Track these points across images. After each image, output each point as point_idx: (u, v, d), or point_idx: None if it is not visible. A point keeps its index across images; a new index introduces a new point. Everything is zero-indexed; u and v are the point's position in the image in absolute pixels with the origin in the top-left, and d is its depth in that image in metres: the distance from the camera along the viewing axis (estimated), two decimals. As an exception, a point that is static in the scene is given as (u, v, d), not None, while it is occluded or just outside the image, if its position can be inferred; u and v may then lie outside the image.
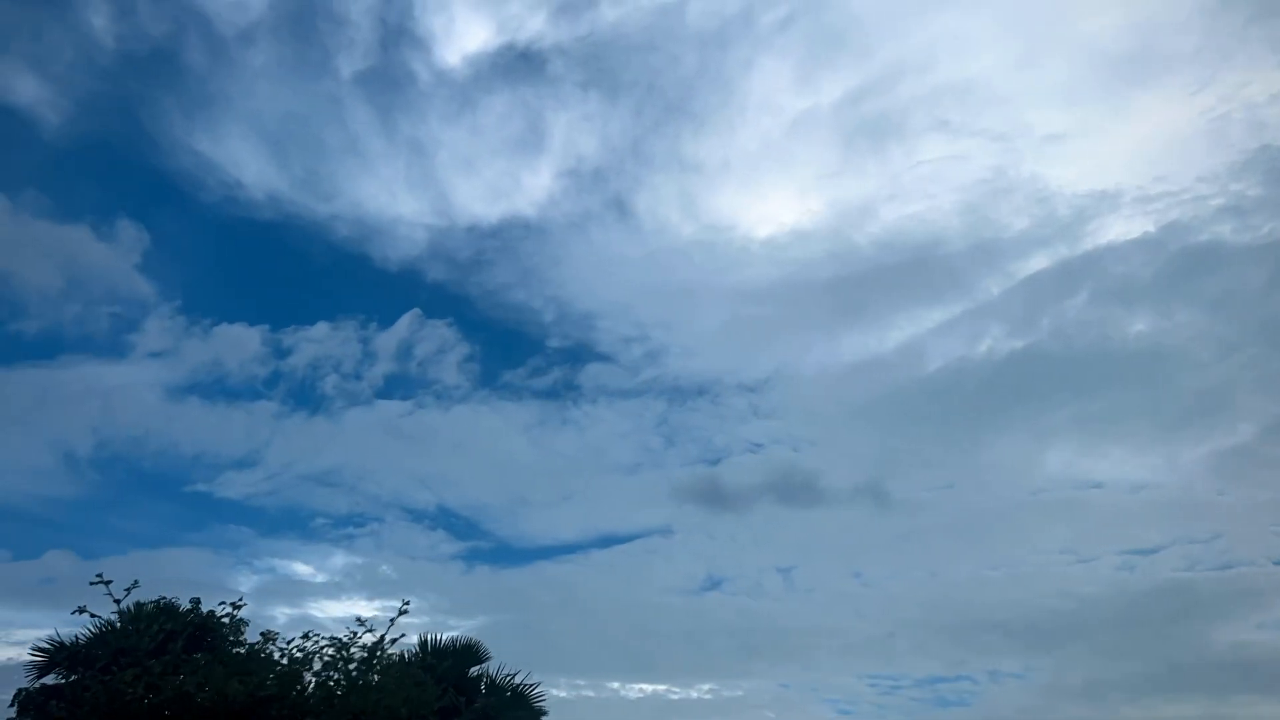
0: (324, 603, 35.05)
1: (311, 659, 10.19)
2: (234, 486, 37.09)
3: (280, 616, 37.62)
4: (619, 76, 41.01)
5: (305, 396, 38.55)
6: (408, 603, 10.72)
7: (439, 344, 39.76)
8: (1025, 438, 39.19)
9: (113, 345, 36.59)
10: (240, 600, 10.53)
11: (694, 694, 35.39)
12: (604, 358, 41.25)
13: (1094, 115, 40.28)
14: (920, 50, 40.48)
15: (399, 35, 39.08)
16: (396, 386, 39.73)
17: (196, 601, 11.53)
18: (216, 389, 37.50)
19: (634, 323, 41.72)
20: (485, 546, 39.01)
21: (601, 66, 40.43)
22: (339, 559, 37.97)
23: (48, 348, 35.67)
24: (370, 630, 10.49)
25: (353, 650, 10.26)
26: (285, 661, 10.05)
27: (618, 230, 42.02)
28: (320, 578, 37.27)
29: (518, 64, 39.81)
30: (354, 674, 10.16)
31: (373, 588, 36.58)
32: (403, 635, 11.07)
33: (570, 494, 40.36)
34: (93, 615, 9.86)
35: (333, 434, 38.57)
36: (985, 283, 40.05)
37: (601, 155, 41.73)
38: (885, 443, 40.05)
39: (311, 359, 38.39)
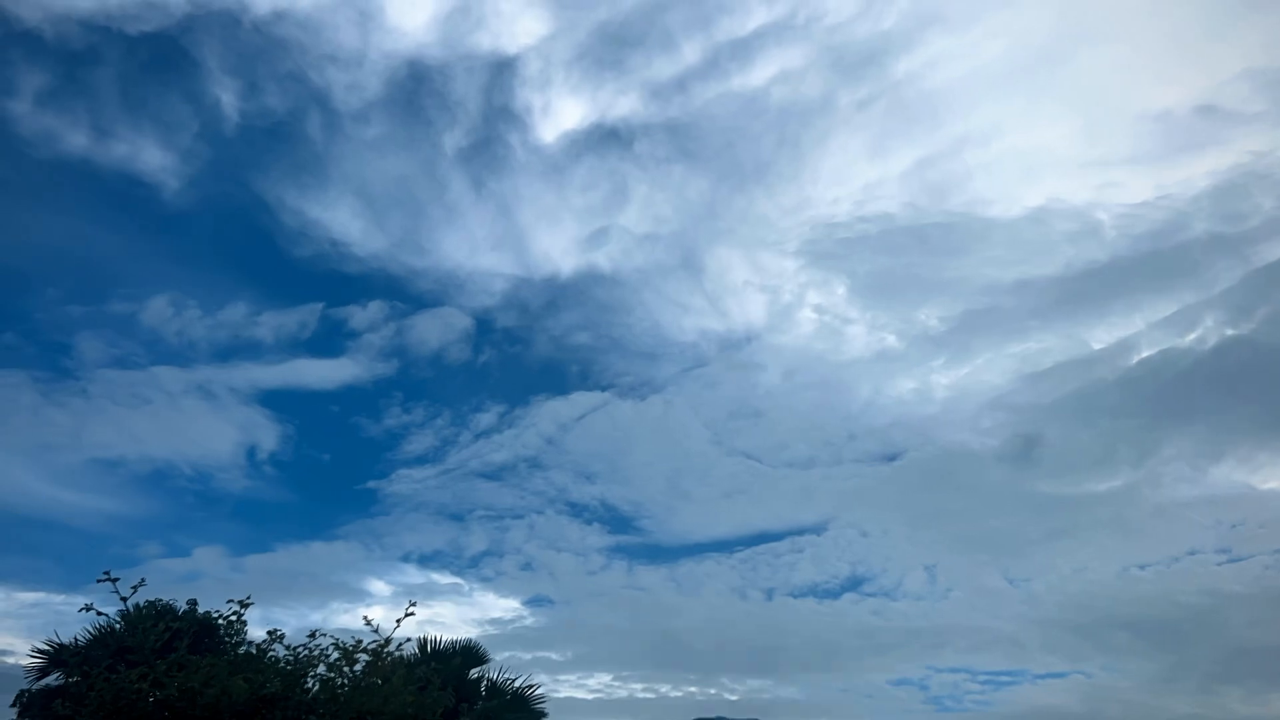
0: (453, 598, 36.26)
1: (316, 660, 10.20)
2: (404, 483, 38.67)
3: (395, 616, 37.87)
4: (703, 149, 43.44)
5: (489, 395, 40.53)
6: (414, 603, 10.74)
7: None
8: (1207, 432, 38.20)
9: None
10: (248, 599, 10.51)
11: (793, 690, 36.38)
12: (795, 347, 42.07)
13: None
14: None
15: (500, 113, 42.36)
16: (575, 382, 41.46)
17: (193, 603, 11.53)
18: (395, 395, 39.49)
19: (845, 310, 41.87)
20: (633, 543, 39.50)
21: (687, 141, 42.75)
22: (480, 554, 38.69)
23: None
24: (376, 631, 10.51)
25: (356, 655, 10.27)
26: (291, 661, 10.05)
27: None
28: (452, 575, 38.39)
29: (607, 139, 42.77)
30: (358, 675, 10.17)
31: (502, 585, 37.94)
32: (407, 640, 11.09)
33: (736, 490, 40.64)
34: (99, 613, 9.84)
35: (517, 430, 40.15)
36: (1218, 269, 38.22)
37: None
38: (1069, 440, 39.21)
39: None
